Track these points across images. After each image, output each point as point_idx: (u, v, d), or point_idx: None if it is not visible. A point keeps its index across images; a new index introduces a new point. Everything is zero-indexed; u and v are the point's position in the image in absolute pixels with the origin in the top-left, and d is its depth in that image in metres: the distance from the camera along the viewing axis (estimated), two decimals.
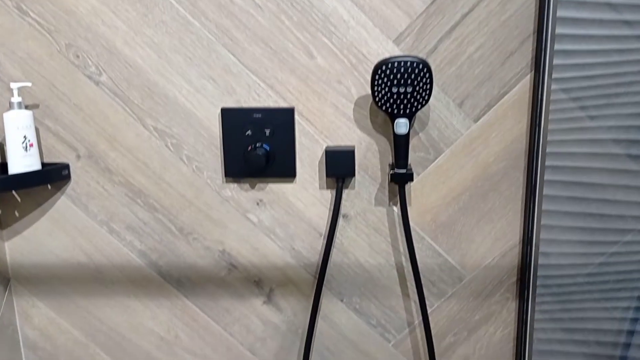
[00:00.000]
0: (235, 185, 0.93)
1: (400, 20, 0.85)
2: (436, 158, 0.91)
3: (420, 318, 0.98)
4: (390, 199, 0.93)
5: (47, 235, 0.96)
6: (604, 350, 0.94)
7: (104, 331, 1.00)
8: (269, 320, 0.99)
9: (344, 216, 0.94)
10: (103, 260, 0.97)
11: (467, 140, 0.90)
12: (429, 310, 0.97)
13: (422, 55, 0.86)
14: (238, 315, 0.99)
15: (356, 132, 0.90)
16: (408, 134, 0.86)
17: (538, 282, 0.92)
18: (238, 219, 0.95)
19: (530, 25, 0.84)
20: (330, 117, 0.90)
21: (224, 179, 0.93)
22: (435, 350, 0.99)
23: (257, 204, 0.94)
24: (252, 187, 0.93)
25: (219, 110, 0.90)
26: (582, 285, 0.92)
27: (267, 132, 0.90)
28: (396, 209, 0.94)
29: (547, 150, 0.87)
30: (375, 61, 0.86)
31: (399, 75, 0.81)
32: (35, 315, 0.99)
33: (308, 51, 0.87)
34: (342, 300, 0.98)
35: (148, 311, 0.99)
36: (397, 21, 0.85)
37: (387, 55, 0.86)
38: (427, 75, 0.81)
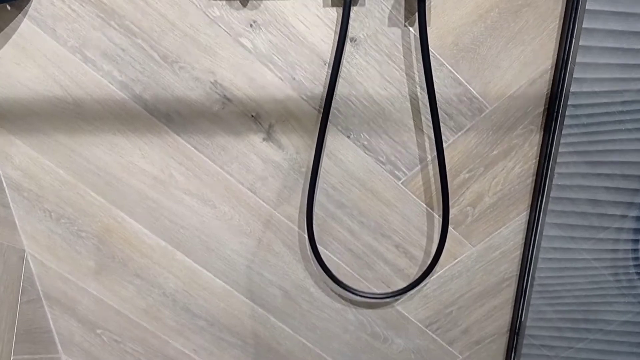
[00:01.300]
0: (224, 2, 0.80)
1: None
2: None
3: (434, 154, 0.90)
4: (406, 18, 0.80)
5: (14, 65, 0.84)
6: (629, 184, 0.88)
7: (92, 170, 0.92)
8: (270, 159, 0.92)
9: (351, 40, 0.82)
10: (81, 93, 0.86)
11: None
12: (443, 145, 0.89)
13: None
14: (236, 154, 0.91)
15: None
16: None
17: (567, 112, 0.83)
18: (230, 44, 0.82)
19: None
20: None
21: None
22: (448, 188, 0.93)
23: (251, 25, 0.81)
24: (244, 4, 0.80)
25: None
26: (614, 115, 0.84)
27: None
28: (413, 30, 0.81)
29: None
30: None
31: None
32: (15, 155, 0.91)
33: None
34: (349, 137, 0.90)
35: (137, 149, 0.91)
36: None
37: None
38: None
